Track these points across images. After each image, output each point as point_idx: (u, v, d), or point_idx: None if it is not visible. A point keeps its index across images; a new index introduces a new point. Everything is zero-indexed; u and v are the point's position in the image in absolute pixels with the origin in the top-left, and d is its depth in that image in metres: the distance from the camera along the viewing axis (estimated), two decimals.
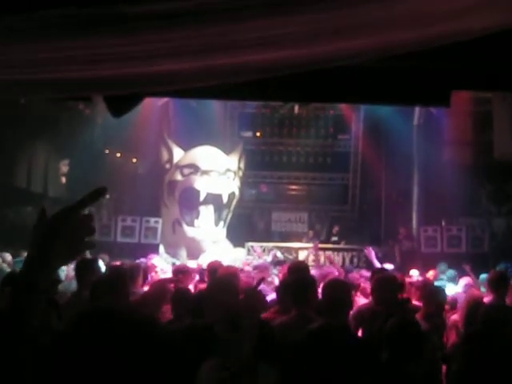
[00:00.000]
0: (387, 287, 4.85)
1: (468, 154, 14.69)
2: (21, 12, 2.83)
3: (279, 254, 12.92)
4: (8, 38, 2.82)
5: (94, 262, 6.48)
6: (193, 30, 2.65)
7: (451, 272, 8.95)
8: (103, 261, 8.63)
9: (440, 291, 5.65)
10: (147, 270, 6.96)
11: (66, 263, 1.52)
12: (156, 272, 7.38)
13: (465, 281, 7.38)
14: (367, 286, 6.18)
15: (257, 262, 11.28)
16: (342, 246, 14.97)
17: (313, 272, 6.25)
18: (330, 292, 4.23)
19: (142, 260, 8.37)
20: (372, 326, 4.24)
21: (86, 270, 5.72)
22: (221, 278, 5.01)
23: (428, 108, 13.61)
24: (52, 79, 2.98)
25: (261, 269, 7.38)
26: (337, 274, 7.27)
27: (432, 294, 5.40)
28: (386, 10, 2.61)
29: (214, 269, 6.10)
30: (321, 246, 14.80)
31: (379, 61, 3.17)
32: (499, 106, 7.56)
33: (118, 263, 8.16)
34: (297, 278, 4.73)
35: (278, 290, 5.07)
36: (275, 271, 8.93)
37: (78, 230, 1.46)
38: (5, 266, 8.44)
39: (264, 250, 14.02)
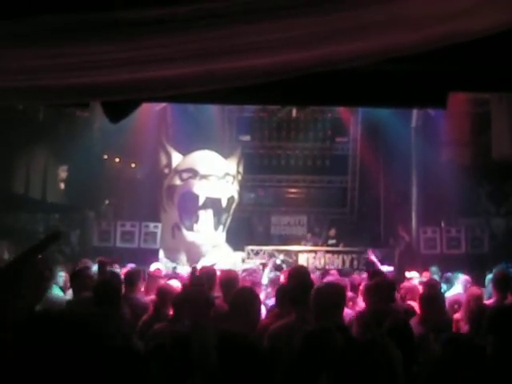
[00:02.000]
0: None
1: (466, 154, 14.69)
2: (17, 17, 2.83)
3: (279, 262, 12.88)
4: (4, 43, 2.82)
5: (88, 269, 6.53)
6: (193, 34, 2.64)
7: (448, 274, 8.97)
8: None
9: (439, 295, 5.61)
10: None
11: (24, 311, 1.45)
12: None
13: (462, 279, 7.34)
14: None
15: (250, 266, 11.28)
16: (341, 248, 14.97)
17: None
18: (319, 297, 4.19)
19: (131, 265, 8.36)
20: None
21: (79, 277, 5.79)
22: (244, 289, 5.04)
23: (426, 110, 13.63)
24: (49, 86, 2.98)
25: (249, 272, 7.35)
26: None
27: (429, 298, 5.34)
28: (386, 12, 2.61)
29: (210, 274, 6.11)
30: (320, 248, 14.84)
31: (376, 63, 3.17)
32: (497, 106, 7.56)
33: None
34: (296, 281, 4.73)
35: (276, 294, 5.08)
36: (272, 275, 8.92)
37: (35, 277, 1.39)
38: None
39: (264, 254, 14.04)
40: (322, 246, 15.38)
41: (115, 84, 2.80)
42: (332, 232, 16.16)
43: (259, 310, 4.51)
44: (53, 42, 2.80)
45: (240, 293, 4.62)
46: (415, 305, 5.83)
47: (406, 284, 6.71)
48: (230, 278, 5.69)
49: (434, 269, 10.00)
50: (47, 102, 4.30)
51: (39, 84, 2.93)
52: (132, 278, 6.07)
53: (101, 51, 2.72)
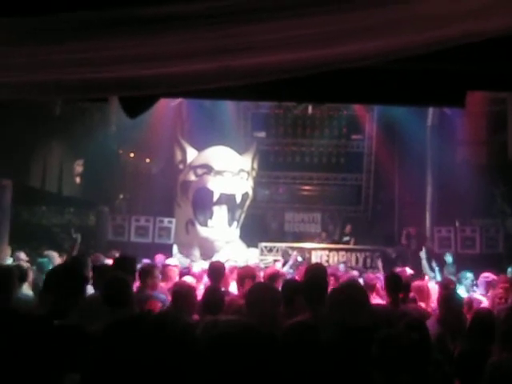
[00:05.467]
0: None
1: (482, 154, 14.60)
2: (37, 14, 2.86)
3: (300, 259, 12.86)
4: (26, 40, 2.86)
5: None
6: (211, 31, 2.67)
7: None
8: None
9: (455, 296, 5.57)
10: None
11: None
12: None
13: (483, 279, 7.12)
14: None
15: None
16: (355, 246, 14.95)
17: None
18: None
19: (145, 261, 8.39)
20: None
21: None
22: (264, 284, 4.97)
23: (442, 108, 13.55)
24: (68, 81, 3.02)
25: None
26: None
27: (447, 299, 5.29)
28: (401, 11, 2.62)
29: (218, 269, 6.11)
30: (333, 246, 14.82)
31: (393, 61, 3.17)
32: None
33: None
34: (311, 279, 4.70)
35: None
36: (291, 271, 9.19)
37: None
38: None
39: (277, 251, 14.07)
40: (336, 243, 15.36)
41: (135, 79, 2.84)
42: (348, 228, 16.12)
43: (277, 305, 4.33)
44: (70, 38, 2.83)
45: (256, 288, 4.54)
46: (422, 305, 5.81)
47: (415, 284, 6.53)
48: (248, 273, 5.69)
49: (450, 268, 9.85)
50: (67, 96, 4.35)
51: (59, 78, 2.97)
52: (143, 274, 6.06)
53: (118, 47, 2.75)
